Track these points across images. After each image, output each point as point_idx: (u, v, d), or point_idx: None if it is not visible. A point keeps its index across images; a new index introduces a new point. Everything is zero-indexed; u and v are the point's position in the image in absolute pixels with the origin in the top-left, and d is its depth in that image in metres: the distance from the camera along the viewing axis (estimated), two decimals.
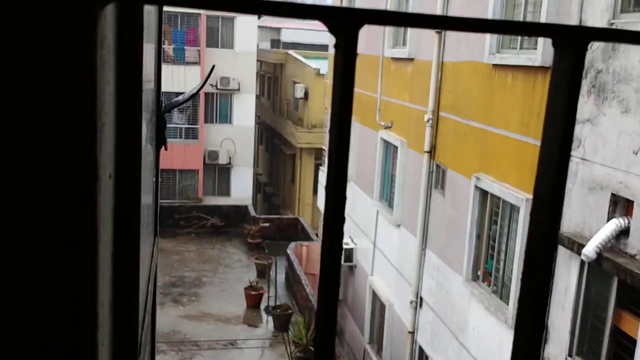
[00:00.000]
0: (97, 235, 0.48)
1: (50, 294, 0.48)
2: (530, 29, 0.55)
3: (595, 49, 6.85)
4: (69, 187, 0.47)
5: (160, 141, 1.85)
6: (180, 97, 2.99)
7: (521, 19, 8.36)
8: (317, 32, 32.90)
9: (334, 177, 0.43)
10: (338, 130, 0.44)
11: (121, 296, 0.85)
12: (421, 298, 11.20)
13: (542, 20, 7.63)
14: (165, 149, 1.97)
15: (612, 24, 6.60)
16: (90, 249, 0.48)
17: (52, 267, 0.48)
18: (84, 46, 0.46)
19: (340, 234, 0.45)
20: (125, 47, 0.74)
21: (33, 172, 0.47)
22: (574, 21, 7.14)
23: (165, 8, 23.77)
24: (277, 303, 17.83)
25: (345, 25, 0.43)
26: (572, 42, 0.46)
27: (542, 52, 7.61)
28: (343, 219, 0.45)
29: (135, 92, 0.86)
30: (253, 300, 18.33)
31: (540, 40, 7.67)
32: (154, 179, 1.88)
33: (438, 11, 10.36)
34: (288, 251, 19.76)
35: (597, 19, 6.83)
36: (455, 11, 10.07)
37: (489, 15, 8.79)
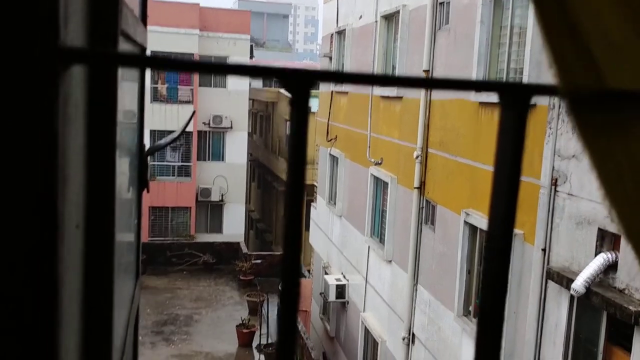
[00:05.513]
0: (57, 284, 0.51)
1: (5, 346, 0.51)
2: (478, 86, 0.59)
3: None
4: (29, 239, 0.50)
5: (142, 184, 1.88)
6: (162, 141, 3.05)
7: (505, 58, 8.53)
8: None
9: (290, 236, 0.46)
10: (292, 181, 0.48)
11: (92, 342, 0.87)
12: (413, 334, 11.12)
13: (527, 57, 7.78)
14: (147, 191, 2.00)
15: None
16: (50, 298, 0.51)
17: (8, 315, 0.50)
18: (44, 105, 0.50)
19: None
20: (98, 102, 0.78)
21: None
22: None
23: (157, 48, 23.46)
24: (269, 341, 17.62)
25: (298, 84, 0.48)
26: (515, 96, 0.50)
27: None
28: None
29: (108, 144, 0.91)
30: (245, 338, 18.12)
31: (525, 78, 7.82)
32: (136, 221, 1.90)
33: (426, 51, 10.55)
34: (280, 288, 19.60)
35: None
36: (442, 51, 10.26)
37: (475, 54, 8.97)
